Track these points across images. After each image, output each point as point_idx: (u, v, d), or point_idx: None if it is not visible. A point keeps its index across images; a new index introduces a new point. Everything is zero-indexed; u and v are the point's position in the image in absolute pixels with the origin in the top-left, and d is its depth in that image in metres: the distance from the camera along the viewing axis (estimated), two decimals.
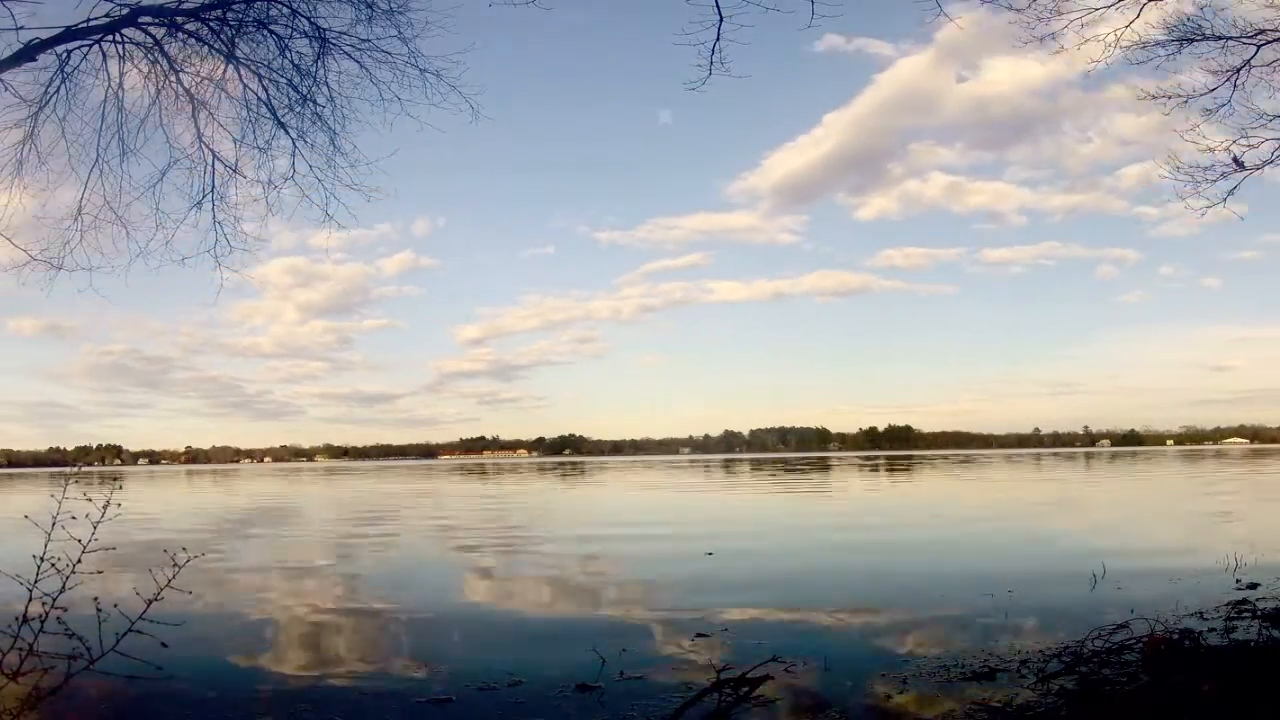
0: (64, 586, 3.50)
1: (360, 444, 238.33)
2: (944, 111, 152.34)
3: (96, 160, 8.15)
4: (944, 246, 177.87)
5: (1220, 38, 7.70)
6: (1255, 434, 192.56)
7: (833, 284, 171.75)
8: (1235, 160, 7.95)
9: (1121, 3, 7.64)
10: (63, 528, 3.53)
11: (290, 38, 8.04)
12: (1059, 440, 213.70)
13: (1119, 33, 7.77)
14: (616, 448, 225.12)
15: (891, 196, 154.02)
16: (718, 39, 7.04)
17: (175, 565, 3.67)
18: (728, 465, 79.92)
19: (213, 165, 8.39)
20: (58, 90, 7.78)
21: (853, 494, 30.28)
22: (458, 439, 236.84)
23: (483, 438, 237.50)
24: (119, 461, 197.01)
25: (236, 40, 7.99)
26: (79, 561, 3.55)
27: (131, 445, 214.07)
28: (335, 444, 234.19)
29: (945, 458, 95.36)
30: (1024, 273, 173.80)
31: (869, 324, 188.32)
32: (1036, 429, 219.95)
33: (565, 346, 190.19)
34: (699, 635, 7.15)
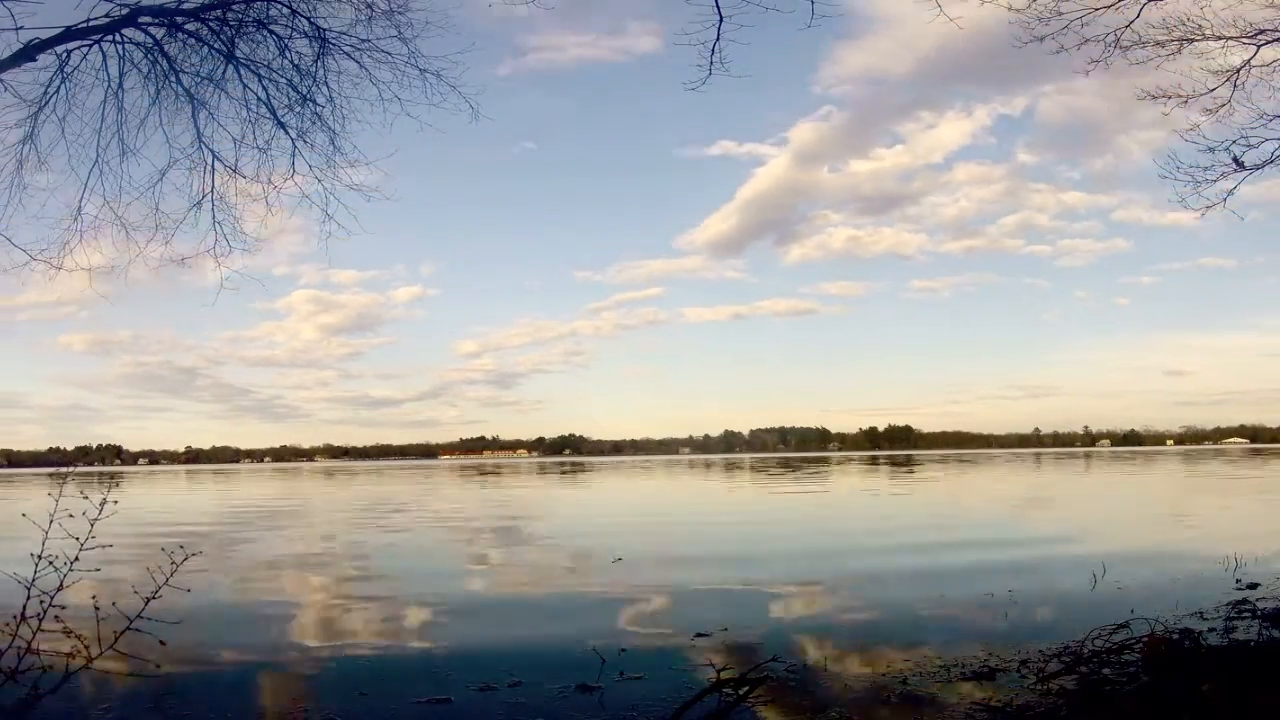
0: (61, 584, 3.50)
1: (360, 444, 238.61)
2: (825, 192, 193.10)
3: (96, 160, 8.16)
4: (870, 281, 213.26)
5: (1220, 38, 7.70)
6: (1255, 434, 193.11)
7: (784, 308, 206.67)
8: (1235, 160, 7.95)
9: (1121, 3, 7.64)
10: (59, 524, 3.53)
11: (290, 38, 8.05)
12: (1059, 440, 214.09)
13: (1119, 33, 7.77)
14: (617, 448, 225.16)
15: (808, 245, 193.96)
16: (718, 39, 7.05)
17: (173, 564, 3.67)
18: (729, 465, 79.92)
19: (213, 165, 8.40)
20: (58, 90, 7.78)
21: (853, 493, 30.26)
22: (458, 439, 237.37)
23: (483, 438, 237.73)
24: (119, 461, 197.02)
25: (236, 40, 7.99)
26: (76, 559, 3.54)
27: (136, 445, 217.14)
28: (335, 444, 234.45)
29: (944, 458, 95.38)
30: (952, 297, 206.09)
31: (824, 337, 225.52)
32: (1036, 429, 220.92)
33: (556, 358, 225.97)
34: (699, 635, 7.14)
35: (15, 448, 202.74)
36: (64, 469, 4.04)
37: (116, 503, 3.60)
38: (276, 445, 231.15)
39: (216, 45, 7.97)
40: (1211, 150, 7.96)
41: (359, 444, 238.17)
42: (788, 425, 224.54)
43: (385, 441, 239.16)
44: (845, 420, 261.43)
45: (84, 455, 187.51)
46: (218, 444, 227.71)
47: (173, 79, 8.01)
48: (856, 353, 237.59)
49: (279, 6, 7.94)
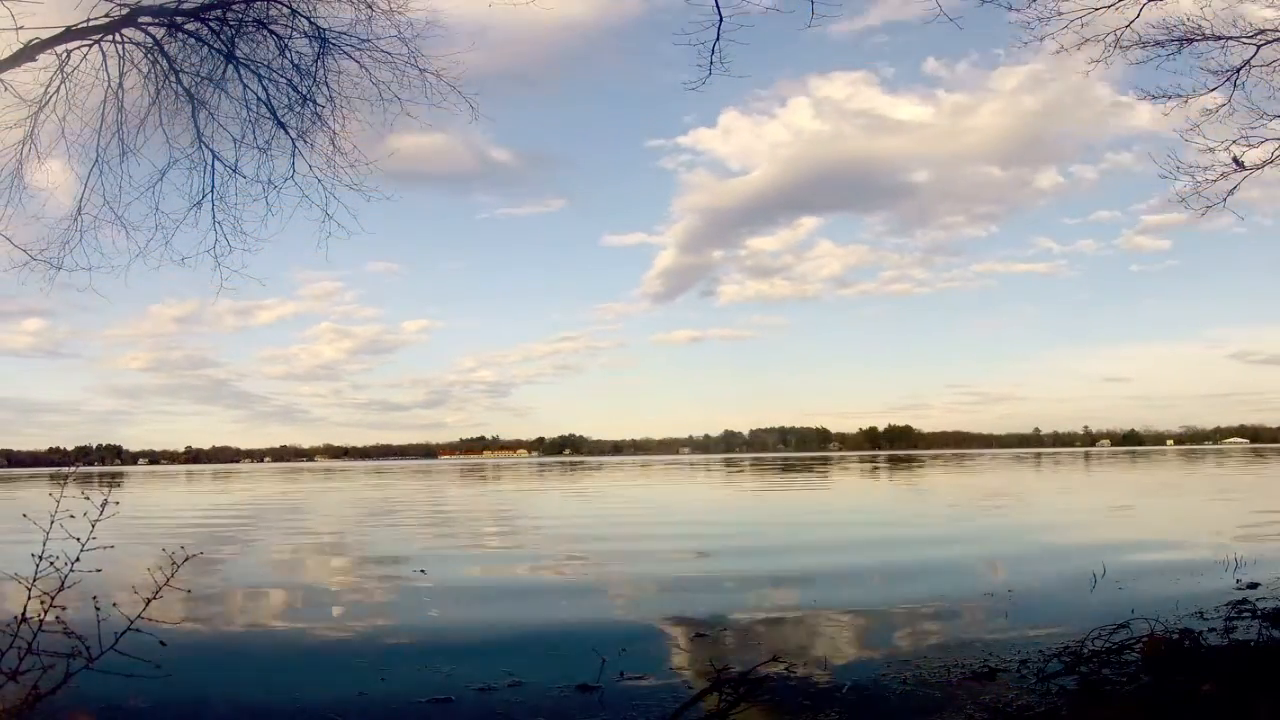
0: (63, 584, 3.50)
1: (361, 444, 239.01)
2: (720, 261, 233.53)
3: (96, 160, 8.17)
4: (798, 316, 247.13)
5: (1220, 38, 7.70)
6: (1255, 434, 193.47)
7: (731, 333, 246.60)
8: (1235, 160, 7.95)
9: (1121, 3, 7.64)
10: (60, 525, 3.52)
11: (290, 38, 8.06)
12: (1059, 440, 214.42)
13: (1119, 33, 7.77)
14: (617, 448, 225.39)
15: (731, 290, 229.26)
16: (718, 39, 7.06)
17: (174, 564, 3.67)
18: (729, 464, 79.93)
19: (212, 165, 8.42)
20: (58, 90, 7.79)
21: (853, 492, 30.27)
22: (458, 439, 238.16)
23: (483, 438, 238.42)
24: (119, 461, 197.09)
25: (236, 40, 8.00)
26: (77, 559, 3.54)
27: (157, 445, 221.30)
28: (335, 444, 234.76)
29: (942, 457, 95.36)
30: (884, 311, 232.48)
31: (759, 357, 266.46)
32: (1036, 429, 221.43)
33: (548, 370, 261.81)
34: (699, 635, 7.15)
35: (15, 448, 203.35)
36: (65, 469, 4.04)
37: (118, 503, 3.60)
38: (277, 445, 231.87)
39: (216, 45, 7.97)
40: (1211, 150, 7.96)
41: (358, 443, 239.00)
42: (788, 425, 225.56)
43: (384, 441, 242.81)
44: (844, 421, 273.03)
45: (84, 455, 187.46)
46: (226, 443, 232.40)
47: (173, 79, 8.02)
48: (793, 367, 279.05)
49: (279, 6, 7.95)
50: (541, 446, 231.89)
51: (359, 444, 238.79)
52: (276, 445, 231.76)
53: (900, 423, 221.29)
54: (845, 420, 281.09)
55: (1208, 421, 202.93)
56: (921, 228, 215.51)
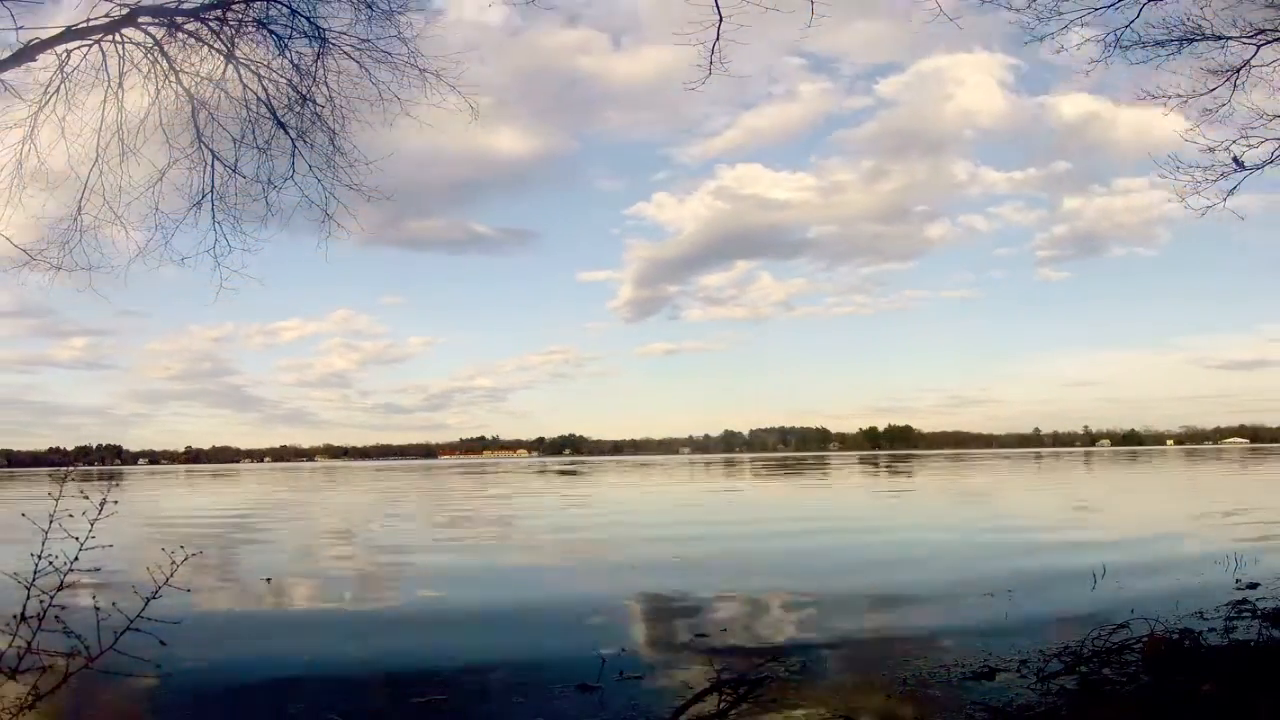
0: (61, 584, 3.50)
1: (360, 444, 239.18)
2: (675, 293, 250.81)
3: (96, 160, 8.15)
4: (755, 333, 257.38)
5: (1220, 38, 7.69)
6: (1255, 434, 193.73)
7: (702, 345, 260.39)
8: (1235, 160, 7.94)
9: (1121, 2, 7.64)
10: (59, 524, 3.52)
11: (290, 38, 8.05)
12: (1059, 440, 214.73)
13: (1119, 32, 7.77)
14: (617, 448, 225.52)
15: (694, 313, 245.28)
16: (718, 38, 7.05)
17: (174, 563, 3.67)
18: (729, 463, 79.97)
19: (212, 165, 8.41)
20: (58, 90, 7.78)
21: (853, 492, 30.28)
22: (458, 439, 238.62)
23: (483, 438, 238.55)
24: (119, 461, 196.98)
25: (236, 40, 8.00)
26: (76, 559, 3.54)
27: (152, 446, 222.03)
28: (335, 444, 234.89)
29: (942, 457, 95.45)
30: (836, 328, 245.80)
31: (747, 360, 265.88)
32: (1036, 429, 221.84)
33: (543, 378, 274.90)
34: (699, 635, 7.15)
35: (15, 447, 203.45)
36: (64, 468, 4.03)
37: (116, 502, 3.59)
38: (276, 445, 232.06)
39: (216, 45, 7.97)
40: (1211, 150, 7.96)
41: (358, 444, 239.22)
42: (788, 425, 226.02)
43: (384, 441, 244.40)
44: (844, 421, 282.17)
45: (84, 455, 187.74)
46: (234, 444, 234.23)
47: (173, 79, 8.01)
48: (766, 372, 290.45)
49: (279, 6, 7.95)
50: (542, 446, 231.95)
51: (357, 443, 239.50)
52: (277, 445, 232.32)
53: (897, 422, 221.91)
54: (840, 421, 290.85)
55: (1153, 422, 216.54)
56: (844, 265, 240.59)
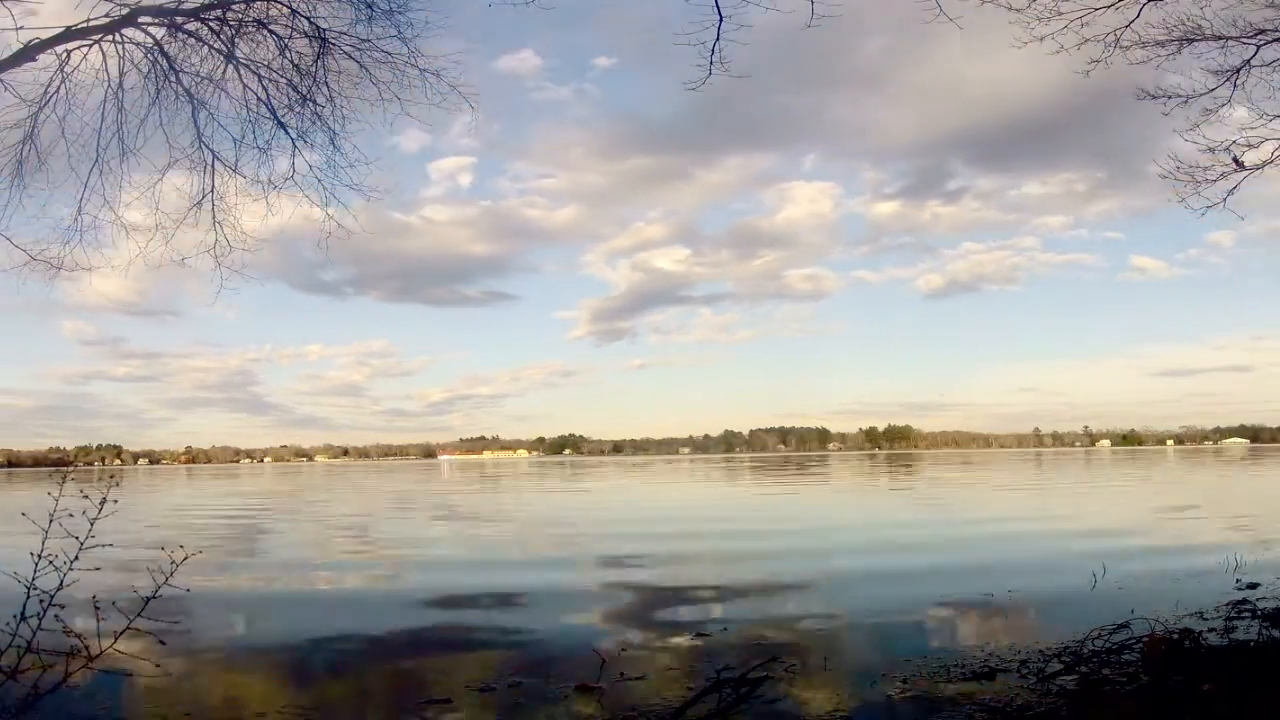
0: (61, 584, 3.50)
1: (360, 444, 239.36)
2: (630, 326, 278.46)
3: (96, 160, 8.17)
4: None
5: (1220, 38, 7.69)
6: (1255, 434, 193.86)
7: (668, 359, 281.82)
8: (1235, 160, 7.94)
9: (1121, 3, 7.63)
10: (59, 524, 3.52)
11: (290, 38, 8.06)
12: (1059, 440, 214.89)
13: (1119, 33, 7.76)
14: (617, 447, 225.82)
15: (653, 339, 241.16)
16: (718, 38, 7.03)
17: (173, 563, 3.67)
18: (729, 463, 80.00)
19: (213, 165, 8.42)
20: (58, 90, 7.79)
21: (853, 491, 30.26)
22: (458, 439, 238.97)
23: (483, 438, 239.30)
24: (119, 461, 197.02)
25: (236, 40, 8.00)
26: (76, 559, 3.54)
27: (134, 445, 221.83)
28: (335, 444, 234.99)
29: (942, 457, 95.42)
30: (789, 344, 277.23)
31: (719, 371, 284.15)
32: (1036, 429, 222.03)
33: (538, 385, 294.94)
34: (699, 635, 7.14)
35: (16, 447, 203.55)
36: (64, 468, 4.03)
37: (116, 501, 3.60)
38: (275, 445, 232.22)
39: (216, 45, 7.97)
40: (1211, 150, 7.96)
41: (358, 444, 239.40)
42: (788, 425, 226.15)
43: (383, 441, 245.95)
44: (844, 421, 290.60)
45: (84, 454, 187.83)
46: (240, 444, 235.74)
47: (173, 79, 8.02)
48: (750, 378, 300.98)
49: (279, 6, 7.95)
50: (542, 446, 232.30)
51: (357, 443, 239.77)
52: (275, 445, 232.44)
53: (900, 423, 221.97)
54: (838, 420, 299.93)
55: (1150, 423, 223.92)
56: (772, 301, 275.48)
